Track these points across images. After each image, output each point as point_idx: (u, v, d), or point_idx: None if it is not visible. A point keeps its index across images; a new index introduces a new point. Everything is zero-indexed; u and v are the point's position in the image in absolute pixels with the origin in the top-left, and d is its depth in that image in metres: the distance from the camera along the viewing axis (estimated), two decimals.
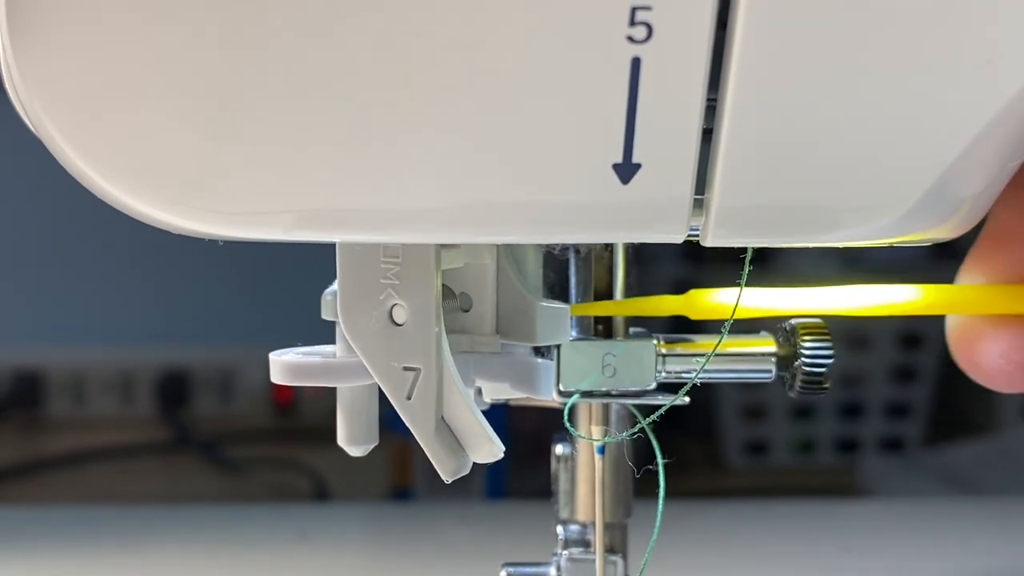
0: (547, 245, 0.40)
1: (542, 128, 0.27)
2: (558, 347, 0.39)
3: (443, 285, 0.36)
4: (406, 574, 0.66)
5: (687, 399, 0.38)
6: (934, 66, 0.27)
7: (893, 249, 0.33)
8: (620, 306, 0.40)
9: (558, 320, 0.39)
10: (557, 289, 0.41)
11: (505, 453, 0.36)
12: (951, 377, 1.13)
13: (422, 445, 0.35)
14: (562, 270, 0.41)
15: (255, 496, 0.97)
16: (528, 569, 0.43)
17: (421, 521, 0.77)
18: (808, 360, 0.39)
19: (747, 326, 0.41)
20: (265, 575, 0.66)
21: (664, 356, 0.40)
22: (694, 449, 1.10)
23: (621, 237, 0.36)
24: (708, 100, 0.27)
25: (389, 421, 0.37)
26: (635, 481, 0.43)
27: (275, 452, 1.04)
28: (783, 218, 0.30)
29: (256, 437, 1.09)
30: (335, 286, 0.35)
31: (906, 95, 0.27)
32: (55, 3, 0.26)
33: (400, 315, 0.35)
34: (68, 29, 0.26)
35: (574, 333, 0.40)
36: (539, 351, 0.40)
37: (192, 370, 1.14)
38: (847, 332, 1.08)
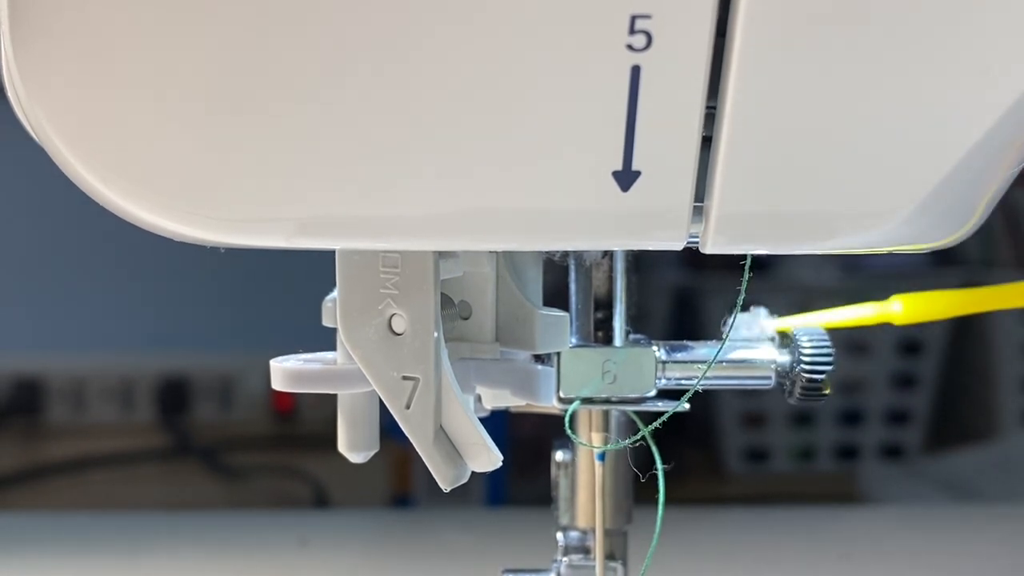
0: (547, 252, 0.40)
1: (542, 135, 0.28)
2: (558, 354, 0.39)
3: (442, 294, 0.36)
4: None
5: (687, 406, 0.38)
6: (933, 76, 0.27)
7: (893, 256, 0.34)
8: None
9: (558, 327, 0.39)
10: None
11: (505, 460, 0.36)
12: (951, 384, 1.13)
13: (421, 454, 0.35)
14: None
15: (255, 503, 0.97)
16: (528, 575, 0.43)
17: (421, 528, 0.77)
18: (808, 367, 0.39)
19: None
20: None
21: (664, 363, 0.40)
22: (694, 456, 1.10)
23: (621, 244, 0.36)
24: (707, 108, 0.27)
25: (389, 428, 0.37)
26: (635, 488, 0.43)
27: (275, 459, 1.04)
28: (782, 225, 0.30)
29: (256, 444, 1.09)
30: (336, 293, 0.36)
31: (905, 104, 0.27)
32: (57, 13, 0.26)
33: (399, 325, 0.35)
34: (70, 38, 0.26)
35: (574, 340, 0.40)
36: (539, 358, 0.40)
37: (192, 377, 1.14)
38: (847, 339, 1.08)
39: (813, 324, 0.40)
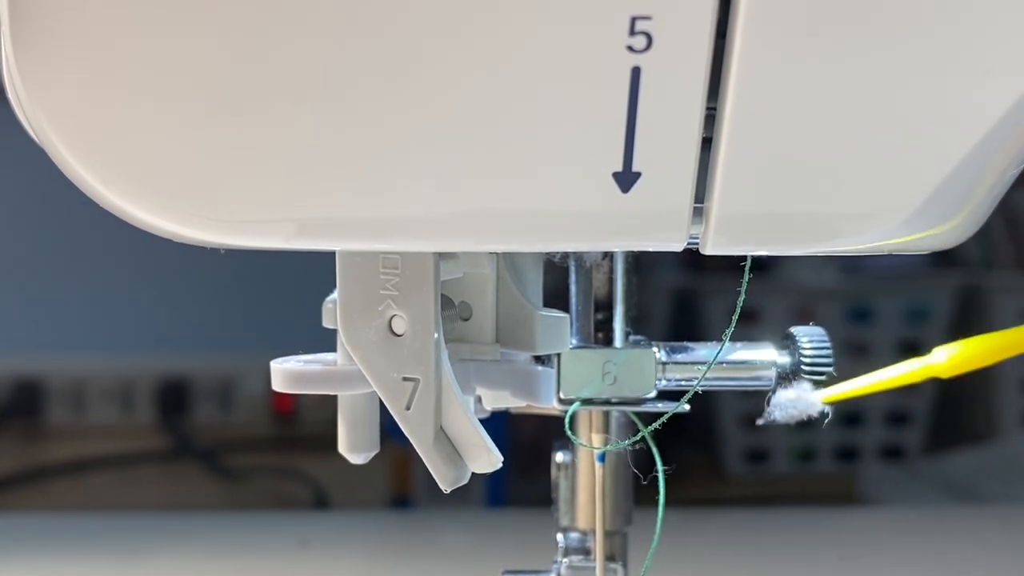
0: (547, 253, 0.40)
1: (542, 137, 0.28)
2: (559, 355, 0.39)
3: (443, 295, 0.36)
4: None
5: (687, 407, 0.38)
6: (933, 76, 0.27)
7: (893, 258, 0.33)
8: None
9: (558, 328, 0.39)
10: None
11: (505, 461, 0.36)
12: (951, 385, 1.13)
13: (421, 455, 0.35)
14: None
15: (255, 504, 0.97)
16: None
17: (421, 529, 0.77)
18: (808, 368, 0.39)
19: (747, 335, 0.41)
20: None
21: (664, 364, 0.40)
22: (694, 457, 1.10)
23: (621, 245, 0.36)
24: (708, 109, 0.27)
25: (389, 429, 0.37)
26: (635, 489, 0.43)
27: (275, 460, 1.04)
28: (782, 226, 0.30)
29: (256, 445, 1.09)
30: (336, 294, 0.36)
31: (905, 105, 0.28)
32: (57, 14, 0.26)
33: (399, 326, 0.35)
34: (70, 39, 0.26)
35: (574, 341, 0.40)
36: (539, 359, 0.40)
37: (192, 378, 1.14)
38: (846, 340, 1.08)
39: (859, 389, 0.39)
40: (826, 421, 0.40)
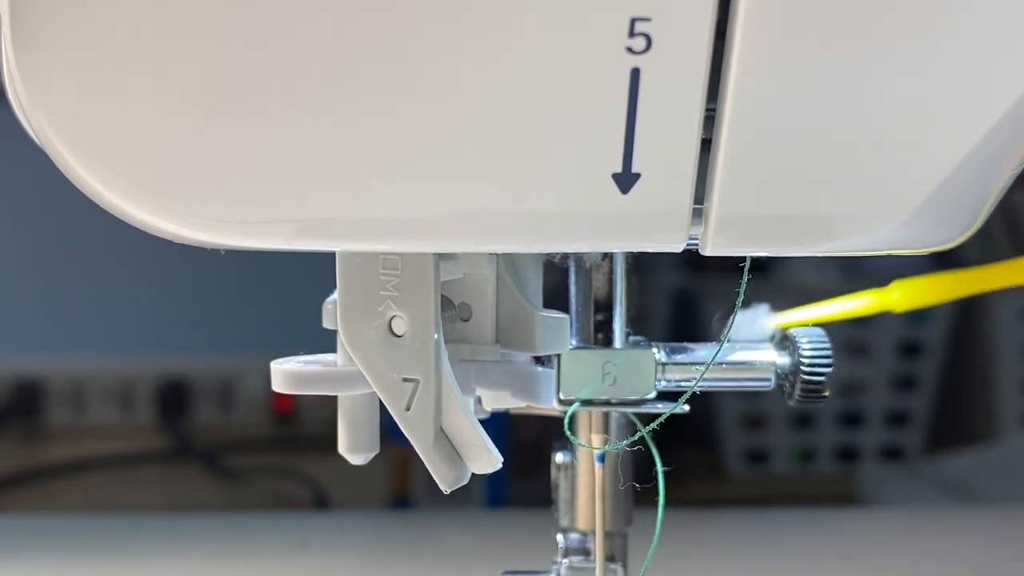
0: (547, 254, 0.40)
1: (542, 137, 0.28)
2: (558, 356, 0.39)
3: (442, 295, 0.36)
4: None
5: (687, 407, 0.38)
6: (932, 77, 0.27)
7: (893, 258, 0.33)
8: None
9: (558, 329, 0.39)
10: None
11: (505, 461, 0.36)
12: (951, 386, 1.13)
13: (421, 456, 0.35)
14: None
15: (255, 505, 0.97)
16: None
17: (421, 530, 0.77)
18: (807, 368, 0.39)
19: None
20: None
21: (664, 365, 0.40)
22: (694, 458, 1.10)
23: (621, 246, 0.36)
24: (707, 110, 0.27)
25: (390, 430, 0.37)
26: (635, 490, 0.43)
27: (275, 461, 1.04)
28: (782, 227, 0.30)
29: (256, 446, 1.09)
30: (336, 294, 0.36)
31: (904, 106, 0.28)
32: (58, 15, 0.26)
33: (399, 326, 0.35)
34: (71, 40, 0.26)
35: (574, 342, 0.40)
36: (539, 360, 0.40)
37: (192, 379, 1.14)
38: (846, 340, 1.08)
39: (813, 318, 0.40)
40: (775, 339, 0.39)
